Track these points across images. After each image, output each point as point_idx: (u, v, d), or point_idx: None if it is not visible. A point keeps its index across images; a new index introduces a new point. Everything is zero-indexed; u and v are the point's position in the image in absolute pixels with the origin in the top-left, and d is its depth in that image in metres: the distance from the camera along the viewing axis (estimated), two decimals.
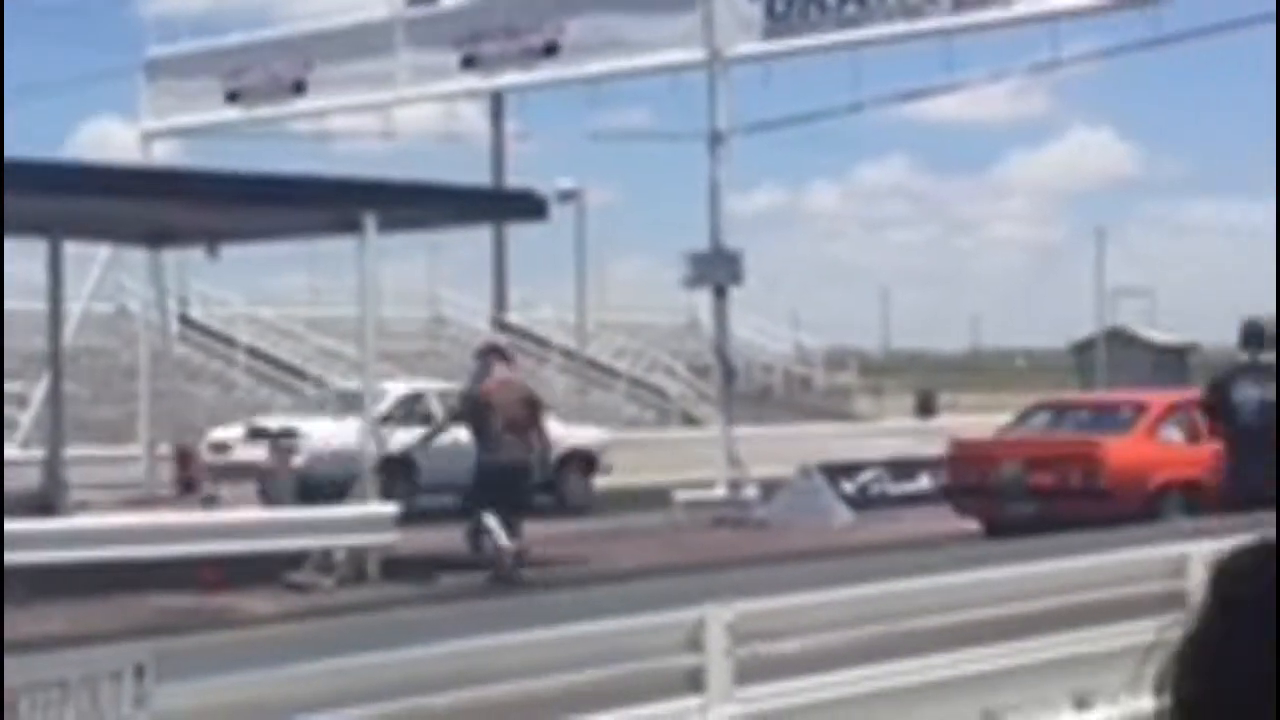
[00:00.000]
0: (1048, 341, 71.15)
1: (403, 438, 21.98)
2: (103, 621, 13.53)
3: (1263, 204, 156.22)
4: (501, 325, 40.41)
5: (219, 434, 25.20)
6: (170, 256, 25.42)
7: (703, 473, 25.05)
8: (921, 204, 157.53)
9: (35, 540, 15.11)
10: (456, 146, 37.10)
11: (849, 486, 24.07)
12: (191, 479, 23.31)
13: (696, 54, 25.19)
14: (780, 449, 26.56)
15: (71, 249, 23.22)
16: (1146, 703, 1.43)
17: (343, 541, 16.90)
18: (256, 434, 22.95)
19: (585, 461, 26.17)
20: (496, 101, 38.36)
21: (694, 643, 7.09)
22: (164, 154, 31.84)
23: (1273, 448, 12.70)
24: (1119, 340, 50.47)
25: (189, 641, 7.70)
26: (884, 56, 25.60)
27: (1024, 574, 8.67)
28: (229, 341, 37.89)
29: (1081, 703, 8.17)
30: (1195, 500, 16.85)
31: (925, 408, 46.05)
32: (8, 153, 17.89)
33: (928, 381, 52.42)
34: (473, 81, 28.30)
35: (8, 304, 23.54)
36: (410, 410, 24.07)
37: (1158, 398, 20.57)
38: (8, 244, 21.23)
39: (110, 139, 56.19)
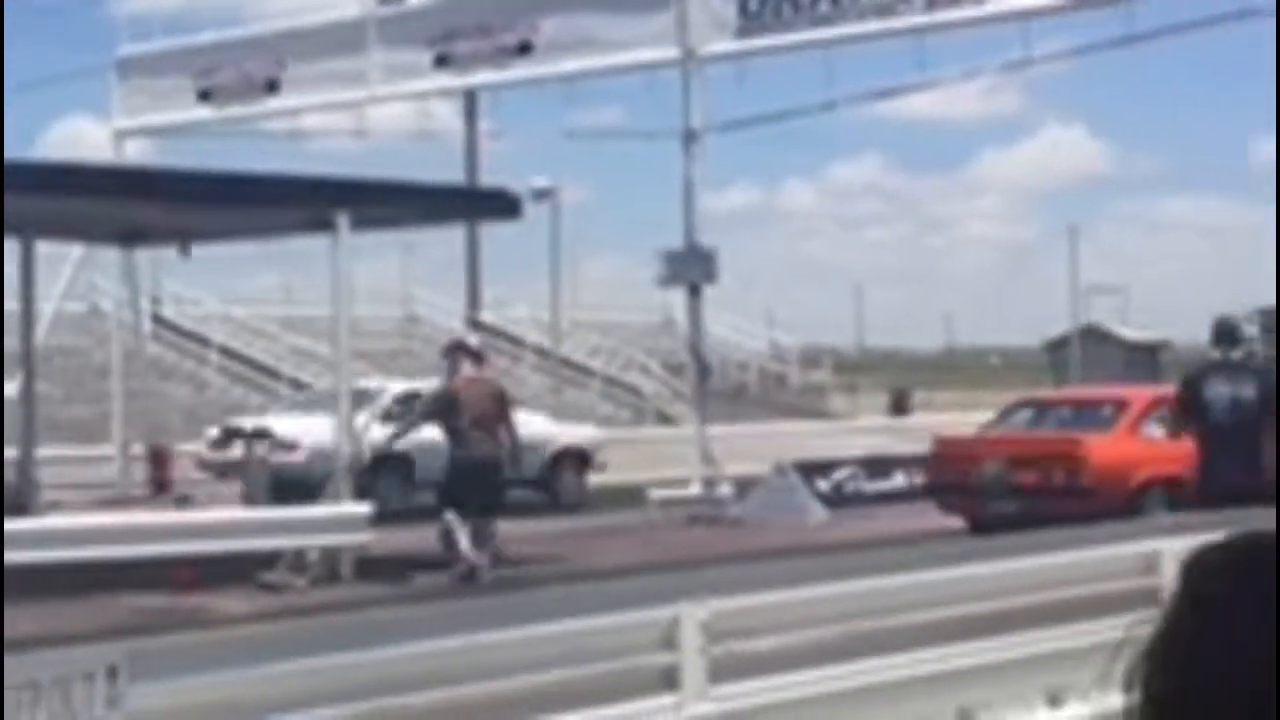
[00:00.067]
0: (1021, 339, 71.50)
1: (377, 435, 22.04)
2: (76, 622, 13.48)
3: (1234, 201, 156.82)
4: (475, 324, 40.35)
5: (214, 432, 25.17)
6: (143, 256, 25.35)
7: (677, 471, 25.08)
8: (895, 202, 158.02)
9: (7, 540, 15.04)
10: (430, 145, 36.98)
11: (824, 484, 24.11)
12: (165, 479, 23.26)
13: (670, 52, 25.21)
14: (755, 447, 26.58)
15: (44, 248, 23.14)
16: (1118, 699, 1.43)
17: (316, 541, 16.87)
18: (230, 435, 22.88)
19: (579, 459, 26.34)
20: (470, 100, 38.36)
21: (668, 641, 7.09)
22: (136, 153, 31.78)
23: (1243, 445, 12.74)
24: (1092, 338, 50.67)
25: (162, 642, 7.68)
26: (857, 55, 25.71)
27: (998, 571, 8.68)
28: (202, 341, 37.81)
29: (1055, 699, 8.19)
30: (1178, 497, 16.89)
31: (899, 406, 46.14)
32: None
33: (902, 380, 52.53)
34: (446, 80, 28.27)
35: None
36: (409, 408, 24.22)
37: (1139, 394, 20.60)
38: None
39: (82, 138, 56.03)
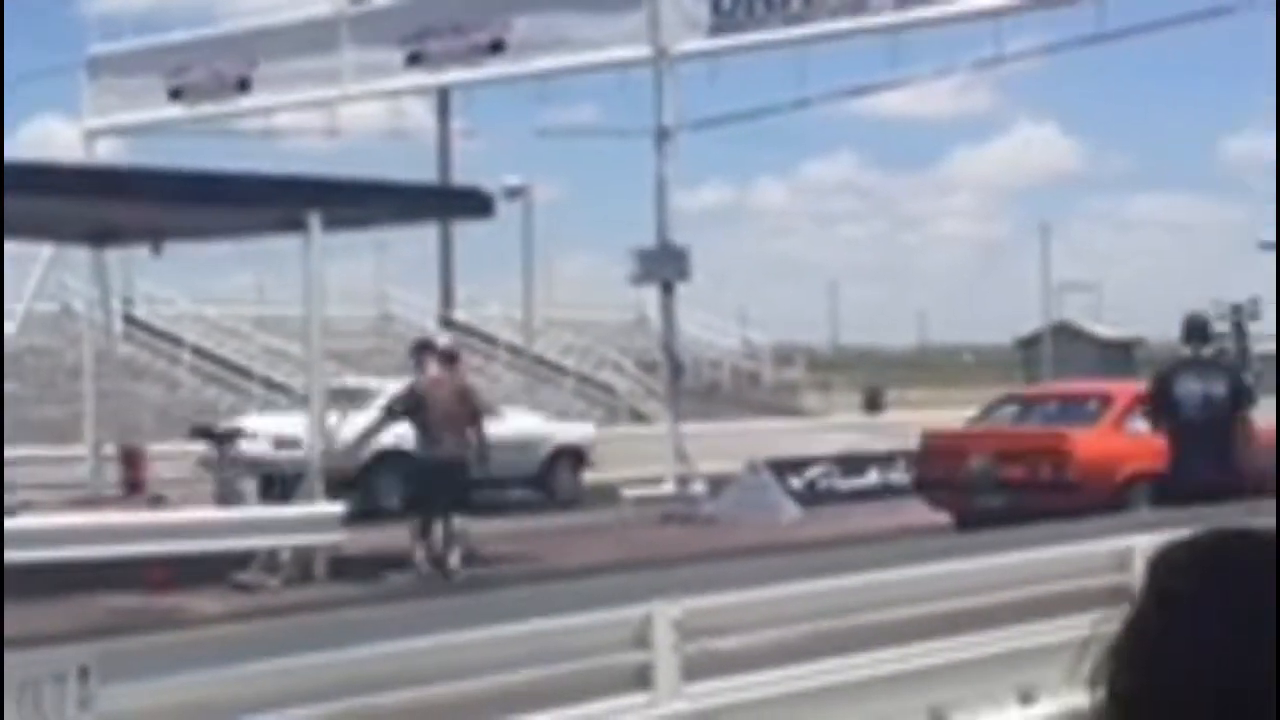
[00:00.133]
0: (994, 337, 71.54)
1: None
2: (49, 623, 13.42)
3: (1204, 199, 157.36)
4: (448, 323, 40.33)
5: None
6: (114, 255, 25.24)
7: (651, 469, 25.08)
8: (868, 200, 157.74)
9: None
10: (402, 144, 37.00)
11: (797, 482, 24.13)
12: (138, 479, 23.16)
13: (643, 51, 25.20)
14: (728, 445, 26.60)
15: (13, 248, 23.06)
16: (1086, 698, 1.43)
17: (290, 541, 16.84)
18: (200, 434, 22.78)
19: (575, 457, 26.43)
20: (443, 98, 38.28)
21: (641, 639, 7.09)
22: (107, 152, 31.65)
23: (1214, 442, 12.79)
24: (1065, 335, 50.83)
25: (134, 642, 7.65)
26: (830, 53, 25.70)
27: (969, 569, 8.70)
28: (174, 341, 37.70)
29: (1026, 697, 8.20)
30: (1164, 491, 16.90)
31: (873, 403, 46.24)
32: None
33: (875, 377, 52.63)
34: (419, 78, 28.21)
35: None
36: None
37: (1124, 389, 20.62)
38: None
39: (52, 137, 55.68)
